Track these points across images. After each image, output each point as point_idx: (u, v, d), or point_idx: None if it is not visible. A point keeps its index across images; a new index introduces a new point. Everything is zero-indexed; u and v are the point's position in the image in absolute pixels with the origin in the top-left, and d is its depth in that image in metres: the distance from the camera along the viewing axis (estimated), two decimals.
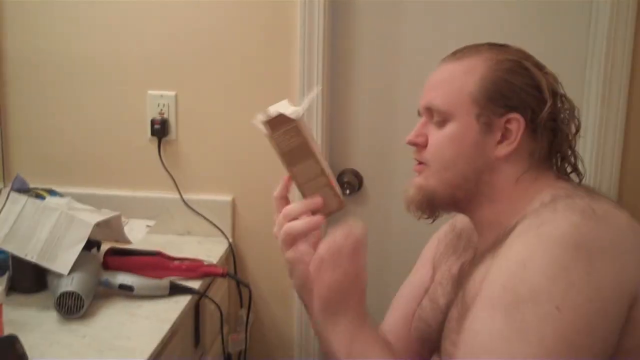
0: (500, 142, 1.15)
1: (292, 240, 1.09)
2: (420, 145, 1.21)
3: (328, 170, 1.10)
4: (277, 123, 1.06)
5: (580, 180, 1.22)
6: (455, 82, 1.17)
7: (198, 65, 2.05)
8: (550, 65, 1.21)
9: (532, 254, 0.99)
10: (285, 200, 1.14)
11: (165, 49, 2.05)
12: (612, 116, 1.93)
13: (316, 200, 1.09)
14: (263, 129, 1.07)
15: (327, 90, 2.04)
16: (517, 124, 1.14)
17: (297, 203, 1.11)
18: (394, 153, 2.08)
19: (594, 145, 1.94)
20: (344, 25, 2.05)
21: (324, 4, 1.96)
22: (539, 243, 0.99)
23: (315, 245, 1.07)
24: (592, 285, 0.96)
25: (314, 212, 1.09)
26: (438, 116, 1.17)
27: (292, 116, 1.05)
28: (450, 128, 1.16)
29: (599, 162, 1.94)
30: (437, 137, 1.18)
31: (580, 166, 1.23)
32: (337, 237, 1.04)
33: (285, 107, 1.07)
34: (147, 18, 2.04)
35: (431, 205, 1.21)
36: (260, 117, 1.07)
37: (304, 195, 1.10)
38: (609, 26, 1.89)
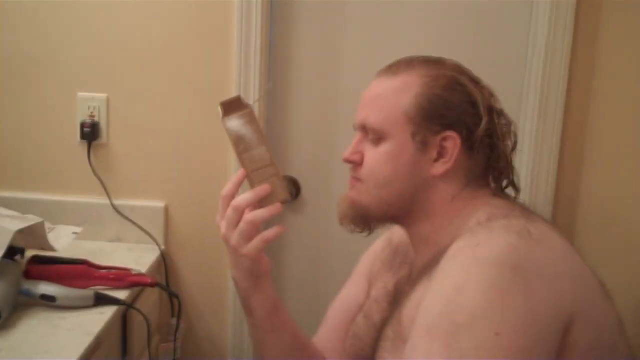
0: (436, 160, 1.14)
1: (255, 230, 1.11)
2: (356, 163, 1.19)
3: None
4: (232, 106, 1.09)
5: (517, 196, 1.22)
6: (389, 99, 1.15)
7: (130, 68, 2.00)
8: (488, 77, 1.20)
9: (468, 278, 0.97)
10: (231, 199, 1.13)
11: (96, 49, 1.99)
12: (549, 130, 1.94)
13: (265, 187, 1.11)
14: (219, 112, 1.10)
15: (265, 95, 2.00)
16: (452, 141, 1.13)
17: (245, 193, 1.11)
18: (333, 161, 2.05)
19: (530, 159, 1.94)
20: (282, 30, 2.02)
21: (262, 7, 1.92)
22: (474, 265, 0.97)
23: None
24: (530, 309, 0.94)
25: (261, 202, 1.11)
26: (373, 134, 1.16)
27: (248, 102, 1.09)
28: (385, 146, 1.15)
29: (534, 176, 1.95)
30: (372, 155, 1.17)
31: (516, 181, 1.22)
32: None
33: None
34: (77, 17, 1.98)
35: (365, 220, 1.20)
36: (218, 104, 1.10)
37: (252, 184, 1.11)
38: (546, 40, 1.90)
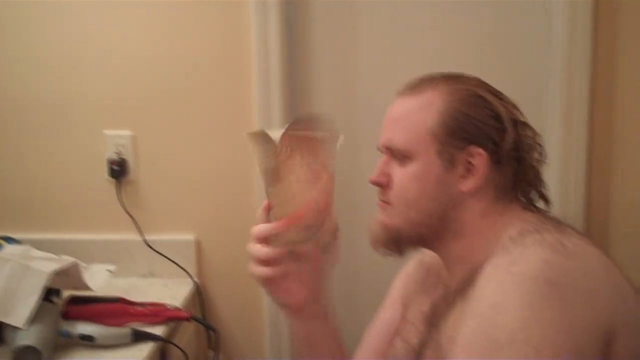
0: (464, 176, 1.13)
1: (255, 261, 1.09)
2: (383, 185, 1.18)
3: (309, 198, 1.06)
4: (259, 140, 1.05)
5: (548, 208, 1.20)
6: (412, 118, 1.15)
7: (154, 104, 2.02)
8: (507, 88, 1.19)
9: (505, 296, 0.95)
10: None
11: (120, 87, 2.01)
12: (574, 139, 1.91)
13: (275, 227, 1.07)
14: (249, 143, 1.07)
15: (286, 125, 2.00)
16: (479, 157, 1.12)
17: (262, 225, 1.09)
18: (359, 184, 2.04)
19: (557, 170, 1.91)
20: (301, 59, 2.03)
21: (280, 36, 1.94)
22: (511, 283, 0.96)
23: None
24: (568, 323, 0.93)
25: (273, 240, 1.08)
26: (399, 154, 1.15)
27: (274, 137, 1.03)
28: (412, 167, 1.14)
29: (563, 187, 1.92)
30: (400, 176, 1.16)
31: (546, 193, 1.21)
32: None
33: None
34: (99, 57, 2.00)
35: (397, 243, 1.18)
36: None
37: (275, 217, 1.08)
38: (566, 46, 1.88)
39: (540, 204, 1.21)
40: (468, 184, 1.13)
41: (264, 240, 1.07)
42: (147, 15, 1.98)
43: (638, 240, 1.95)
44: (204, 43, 1.98)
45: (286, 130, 1.03)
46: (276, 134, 1.04)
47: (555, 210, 1.24)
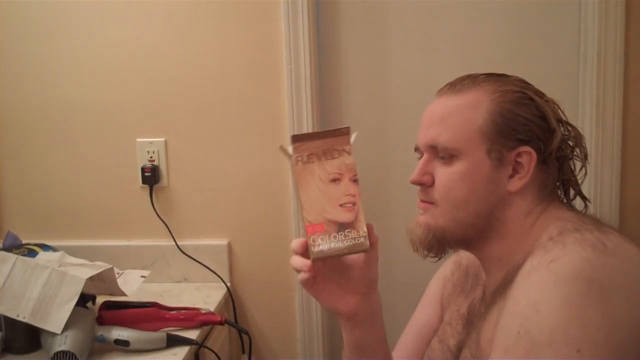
0: (511, 175, 1.12)
1: (296, 271, 1.07)
2: (426, 185, 1.16)
3: (328, 204, 1.04)
4: (282, 153, 1.05)
5: (587, 207, 1.20)
6: (461, 117, 1.13)
7: (186, 110, 2.04)
8: (541, 87, 1.19)
9: (545, 295, 0.95)
10: None
11: (151, 95, 2.04)
12: (608, 138, 1.90)
13: (298, 242, 1.05)
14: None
15: (318, 129, 2.01)
16: (528, 156, 1.11)
17: (297, 239, 1.07)
18: (392, 185, 2.05)
19: (592, 169, 1.90)
20: (331, 63, 2.04)
21: (310, 43, 1.95)
22: (550, 282, 0.95)
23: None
24: (609, 322, 0.92)
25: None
26: (445, 153, 1.13)
27: (290, 152, 1.03)
28: (460, 165, 1.12)
29: (598, 186, 1.91)
30: (446, 175, 1.14)
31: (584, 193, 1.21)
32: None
33: None
34: (131, 66, 2.03)
35: (440, 245, 1.17)
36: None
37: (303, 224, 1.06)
38: (598, 47, 1.87)
39: (579, 204, 1.20)
40: (516, 184, 1.12)
41: (298, 253, 1.05)
42: (180, 24, 2.01)
43: None
44: (235, 50, 2.00)
45: (297, 138, 1.03)
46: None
47: (591, 209, 1.23)
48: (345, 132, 1.05)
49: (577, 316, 0.92)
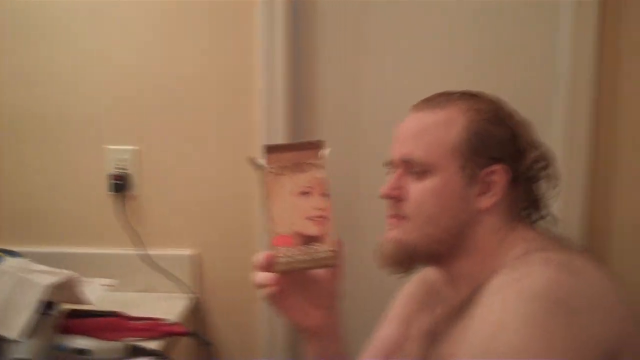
0: (482, 193, 1.13)
1: (258, 288, 1.05)
2: (397, 199, 1.17)
3: (297, 217, 1.03)
4: (254, 166, 1.04)
5: (555, 227, 1.21)
6: (436, 133, 1.14)
7: (158, 119, 2.02)
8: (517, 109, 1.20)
9: (511, 313, 0.95)
10: None
11: (123, 103, 2.02)
12: (577, 160, 1.92)
13: (263, 256, 1.03)
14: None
15: (290, 139, 2.00)
16: (500, 175, 1.13)
17: (259, 253, 1.05)
18: (362, 200, 2.04)
19: (560, 190, 1.89)
20: (306, 74, 2.03)
21: (286, 53, 1.95)
22: (516, 300, 0.96)
23: None
24: (574, 342, 0.93)
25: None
26: (418, 168, 1.14)
27: (262, 163, 1.02)
28: (433, 181, 1.13)
29: (567, 207, 1.91)
30: (418, 190, 1.14)
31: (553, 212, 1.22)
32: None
33: None
34: (102, 72, 2.01)
35: (410, 261, 1.17)
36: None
37: (269, 238, 1.05)
38: (571, 69, 1.89)
39: (546, 223, 1.21)
40: (486, 201, 1.13)
41: (263, 267, 1.03)
42: (151, 31, 1.99)
43: (638, 263, 1.94)
44: (208, 59, 1.99)
45: (271, 149, 1.03)
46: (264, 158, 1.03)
47: (558, 230, 1.23)
48: (318, 146, 1.04)
49: (542, 335, 0.92)
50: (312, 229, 1.02)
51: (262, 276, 1.03)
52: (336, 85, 2.05)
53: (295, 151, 1.04)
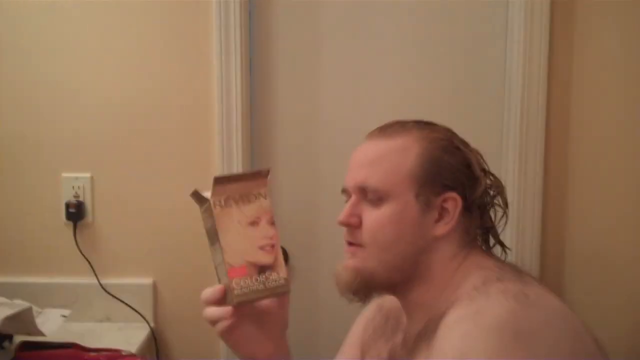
0: (437, 220, 1.14)
1: (211, 323, 1.05)
2: (353, 226, 1.17)
3: (249, 247, 1.03)
4: (197, 199, 1.04)
5: (506, 254, 1.24)
6: (390, 160, 1.16)
7: (113, 146, 2.01)
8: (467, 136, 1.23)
9: (471, 346, 0.96)
10: None
11: (78, 129, 2.01)
12: (530, 188, 1.95)
13: (216, 290, 1.03)
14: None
15: (247, 166, 2.01)
16: (454, 202, 1.15)
17: (208, 289, 1.05)
18: (320, 227, 2.05)
19: (514, 217, 1.93)
20: (262, 101, 2.04)
21: (241, 80, 1.95)
22: (476, 333, 0.97)
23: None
24: None
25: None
26: (374, 195, 1.15)
27: (207, 196, 1.02)
28: (388, 208, 1.14)
29: (519, 234, 1.95)
30: (374, 217, 1.15)
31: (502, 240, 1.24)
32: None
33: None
34: (57, 98, 2.00)
35: (367, 288, 1.18)
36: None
37: (221, 274, 1.04)
38: (521, 96, 1.93)
39: (498, 250, 1.24)
40: (442, 228, 1.14)
41: (216, 301, 1.03)
42: (106, 56, 1.99)
43: (590, 289, 1.99)
44: (164, 84, 1.99)
45: (217, 181, 1.03)
46: (208, 192, 1.03)
47: (512, 256, 1.26)
48: (264, 175, 1.06)
49: None
50: (263, 258, 1.04)
51: (215, 311, 1.03)
52: (293, 111, 2.06)
53: (240, 182, 1.04)
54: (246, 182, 1.04)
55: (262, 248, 1.04)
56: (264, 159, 2.05)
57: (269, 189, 1.06)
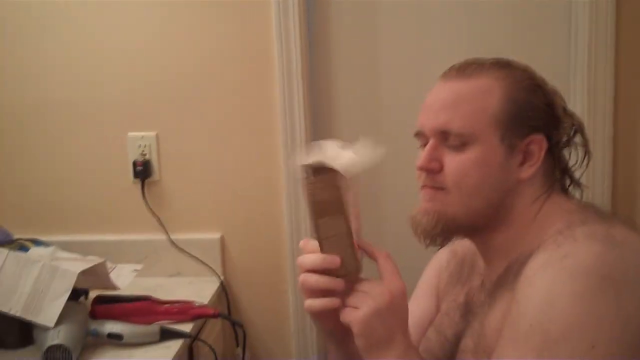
0: (521, 163, 1.10)
1: (308, 292, 1.05)
2: (434, 171, 1.12)
3: (355, 231, 1.03)
4: (317, 170, 1.01)
5: (582, 193, 1.21)
6: (474, 103, 1.10)
7: (178, 104, 2.03)
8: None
9: (559, 290, 0.94)
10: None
11: (143, 89, 2.03)
12: (599, 126, 1.91)
13: (335, 261, 1.02)
14: (299, 171, 1.03)
15: (309, 122, 2.02)
16: (538, 144, 1.10)
17: (315, 255, 1.03)
18: (384, 180, 2.05)
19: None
20: (321, 58, 2.04)
21: (301, 36, 1.95)
22: (564, 278, 0.94)
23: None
24: (623, 318, 0.92)
25: (328, 271, 1.02)
26: (456, 139, 1.09)
27: (336, 167, 1.00)
28: (473, 152, 1.09)
29: (590, 173, 1.91)
30: (458, 161, 1.10)
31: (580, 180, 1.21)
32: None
33: (333, 149, 1.02)
34: (123, 59, 2.02)
35: (448, 233, 1.14)
36: (300, 158, 1.02)
37: (322, 249, 1.03)
38: (588, 39, 1.89)
39: (575, 190, 1.20)
40: (526, 171, 1.10)
41: (317, 271, 1.02)
42: (169, 17, 2.00)
43: None
44: (226, 43, 2.00)
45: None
46: (337, 156, 1.01)
47: (586, 197, 1.23)
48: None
49: (591, 312, 0.92)
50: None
51: (328, 281, 1.02)
52: (352, 68, 2.05)
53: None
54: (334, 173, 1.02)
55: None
56: (325, 112, 2.06)
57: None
